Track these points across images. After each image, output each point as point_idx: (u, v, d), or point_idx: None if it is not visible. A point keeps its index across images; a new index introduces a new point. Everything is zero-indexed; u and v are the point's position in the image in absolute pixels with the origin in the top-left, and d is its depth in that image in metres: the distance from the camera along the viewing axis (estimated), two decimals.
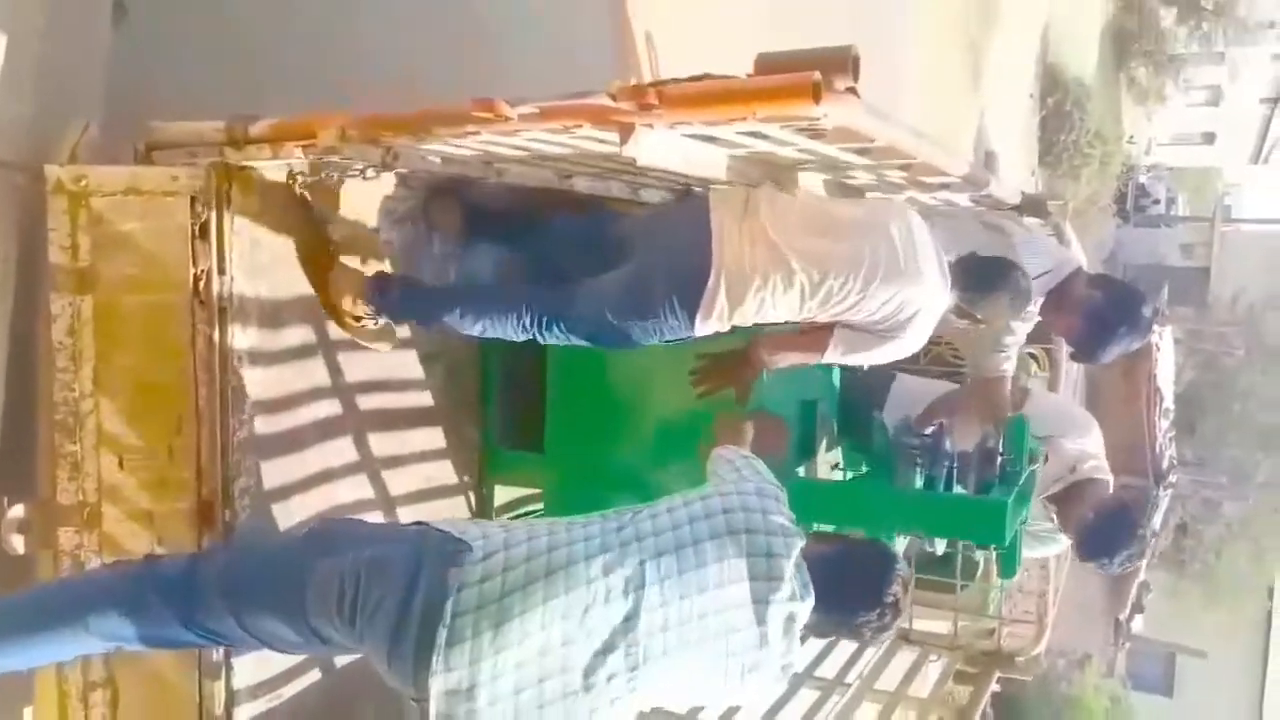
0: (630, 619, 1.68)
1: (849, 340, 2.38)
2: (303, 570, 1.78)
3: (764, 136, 1.92)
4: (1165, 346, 7.71)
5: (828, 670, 3.48)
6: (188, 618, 1.81)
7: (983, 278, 2.43)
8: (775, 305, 2.28)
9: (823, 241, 2.29)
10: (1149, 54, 23.77)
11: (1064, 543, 3.21)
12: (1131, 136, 23.43)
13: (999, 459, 2.59)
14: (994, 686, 3.67)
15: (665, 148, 1.88)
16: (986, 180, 2.64)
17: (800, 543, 1.80)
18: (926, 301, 2.33)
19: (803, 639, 1.80)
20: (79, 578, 2.03)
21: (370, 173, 2.15)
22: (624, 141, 1.76)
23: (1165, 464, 8.01)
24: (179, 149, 2.16)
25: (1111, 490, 3.02)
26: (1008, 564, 2.67)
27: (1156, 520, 8.59)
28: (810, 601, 1.77)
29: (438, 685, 1.61)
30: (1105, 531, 2.82)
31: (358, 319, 2.45)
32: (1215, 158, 29.88)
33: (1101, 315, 2.77)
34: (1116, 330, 2.76)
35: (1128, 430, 7.91)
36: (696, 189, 2.59)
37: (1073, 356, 3.04)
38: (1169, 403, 8.18)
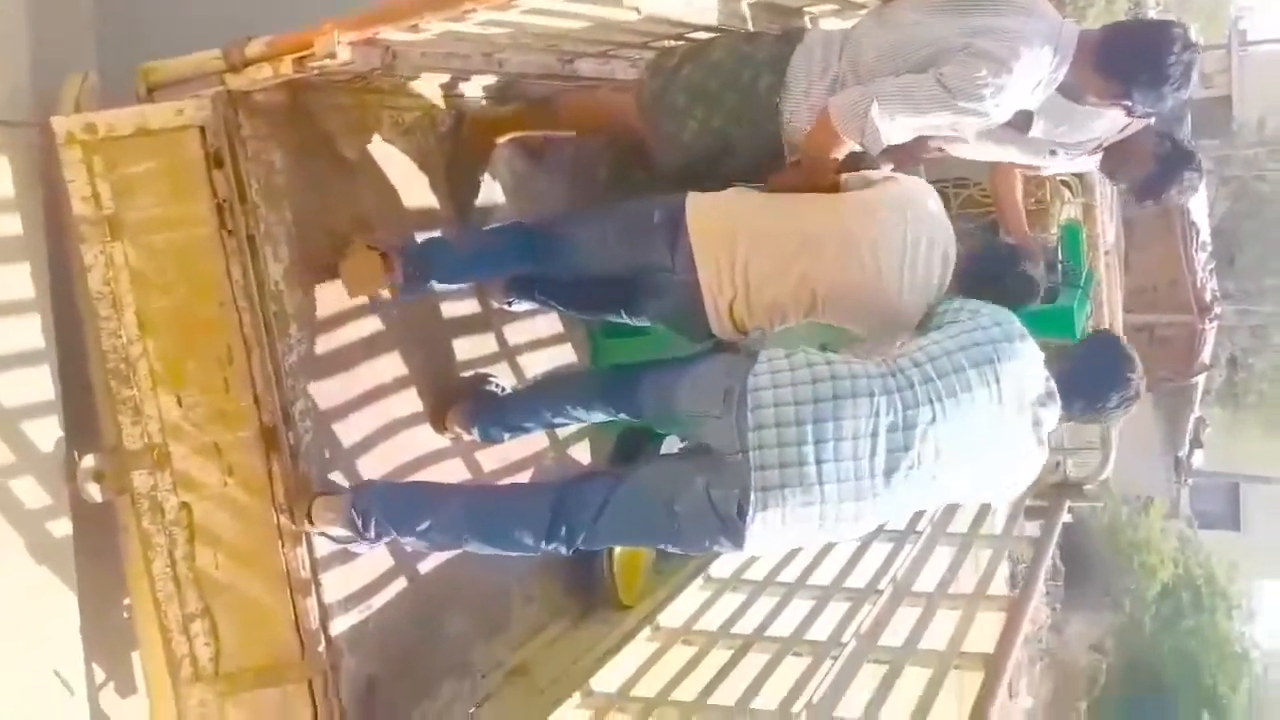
0: (908, 429, 2.01)
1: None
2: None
3: None
4: None
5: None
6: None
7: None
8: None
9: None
10: None
11: None
12: None
13: (1059, 265, 2.62)
14: (1065, 517, 3.68)
15: None
16: None
17: (1041, 356, 2.16)
18: None
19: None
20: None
21: (374, 74, 2.13)
22: None
23: (1208, 297, 7.92)
24: (180, 85, 2.15)
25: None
26: None
27: (1207, 354, 8.51)
28: (1058, 405, 2.14)
29: (754, 439, 1.99)
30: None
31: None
32: None
33: (1172, 161, 2.66)
34: (1185, 174, 2.67)
35: (1167, 266, 7.81)
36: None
37: (1136, 196, 2.93)
38: (1205, 235, 8.03)
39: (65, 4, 2.26)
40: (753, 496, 2.01)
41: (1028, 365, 2.14)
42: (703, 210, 2.32)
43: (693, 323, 2.41)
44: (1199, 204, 7.61)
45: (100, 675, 2.28)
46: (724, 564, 3.28)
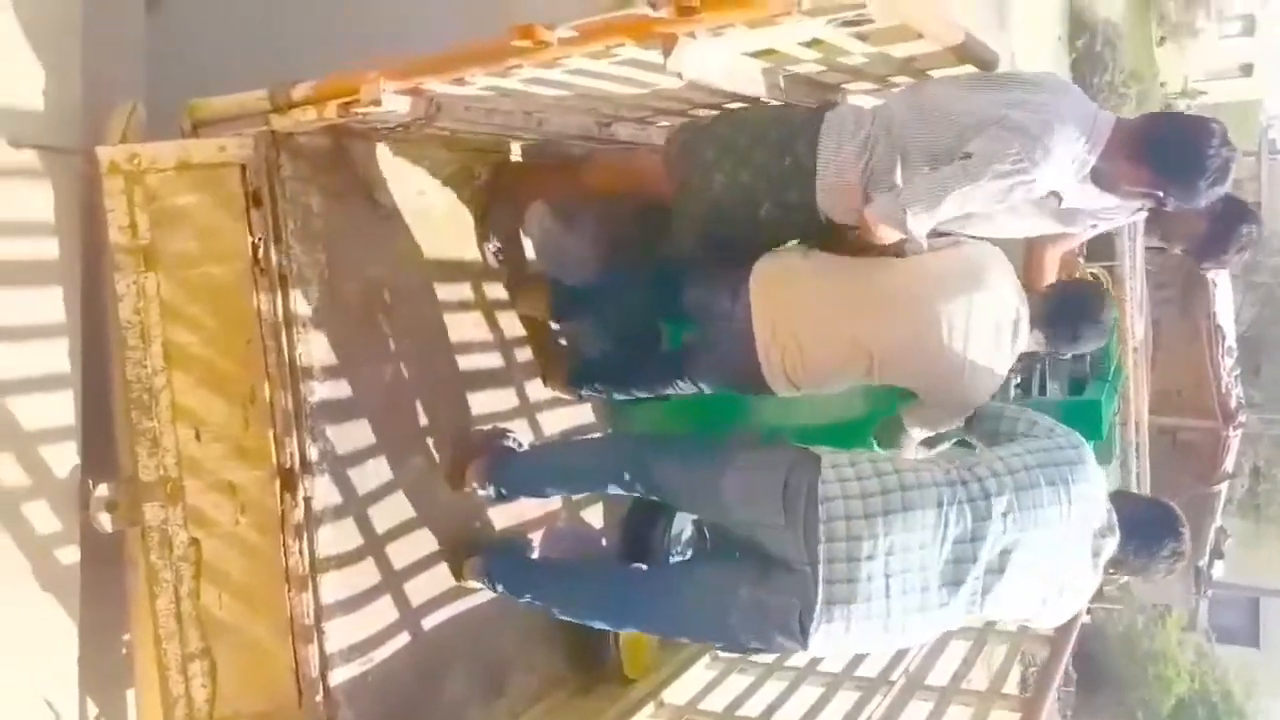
0: (976, 540, 2.00)
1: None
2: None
3: (818, 42, 1.89)
4: (1222, 283, 7.48)
5: None
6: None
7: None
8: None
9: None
10: None
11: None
12: (1164, 81, 22.84)
13: (1088, 356, 2.59)
14: (1084, 618, 3.58)
15: (709, 61, 1.85)
16: None
17: (1105, 486, 2.17)
18: None
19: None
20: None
21: (415, 126, 2.16)
22: (667, 54, 1.74)
23: (1233, 404, 7.82)
24: (225, 123, 2.18)
25: None
26: (1103, 454, 2.67)
27: (1230, 462, 8.36)
28: (1117, 538, 2.13)
29: (825, 553, 1.96)
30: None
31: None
32: (1255, 90, 29.06)
33: (1227, 217, 2.52)
34: (1242, 229, 2.54)
35: (1192, 370, 7.73)
36: None
37: (1196, 258, 2.82)
38: (1231, 340, 7.97)
39: (118, 35, 2.30)
40: (818, 609, 2.00)
41: (1096, 491, 2.14)
42: (765, 263, 2.39)
43: (748, 376, 2.44)
44: (1225, 307, 7.55)
45: (93, 710, 2.23)
46: None
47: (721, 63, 1.90)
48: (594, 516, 3.16)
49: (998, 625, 3.37)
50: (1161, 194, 2.16)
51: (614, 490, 2.48)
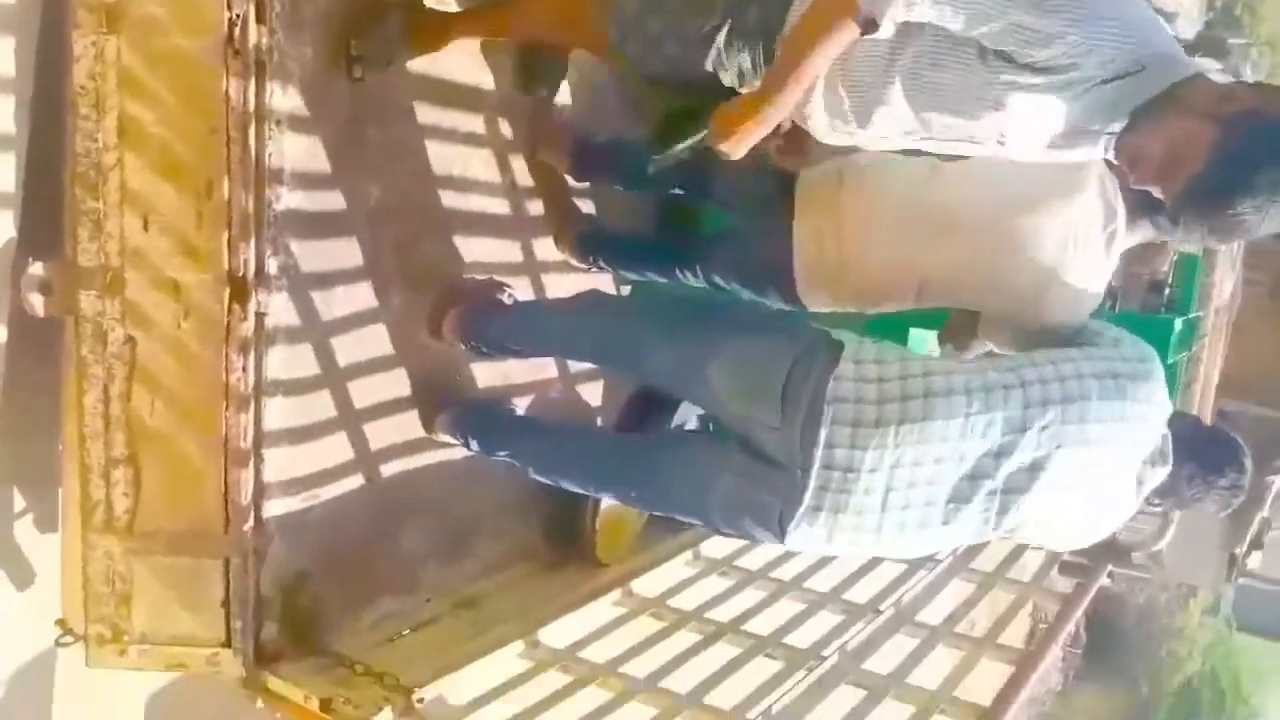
0: (1002, 455, 1.75)
1: None
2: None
3: None
4: None
5: None
6: None
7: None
8: None
9: None
10: None
11: None
12: None
13: (1166, 289, 2.33)
14: (1104, 580, 3.34)
15: None
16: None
17: (1169, 408, 1.90)
18: None
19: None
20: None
21: None
22: None
23: None
24: None
25: None
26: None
27: None
28: (1168, 468, 1.88)
29: (821, 459, 1.73)
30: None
31: None
32: None
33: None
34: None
35: (1264, 360, 7.38)
36: None
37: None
38: None
39: None
40: (800, 511, 1.79)
41: (1155, 412, 1.86)
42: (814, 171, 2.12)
43: (776, 283, 2.19)
44: None
45: (20, 504, 2.11)
46: (718, 545, 3.02)
47: None
48: (592, 394, 2.96)
49: (1009, 572, 3.16)
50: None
51: (601, 366, 2.26)
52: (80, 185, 1.87)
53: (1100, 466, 1.83)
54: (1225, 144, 1.44)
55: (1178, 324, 2.52)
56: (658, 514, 2.30)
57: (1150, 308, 2.61)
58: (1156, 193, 1.55)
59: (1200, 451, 1.92)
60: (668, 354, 1.97)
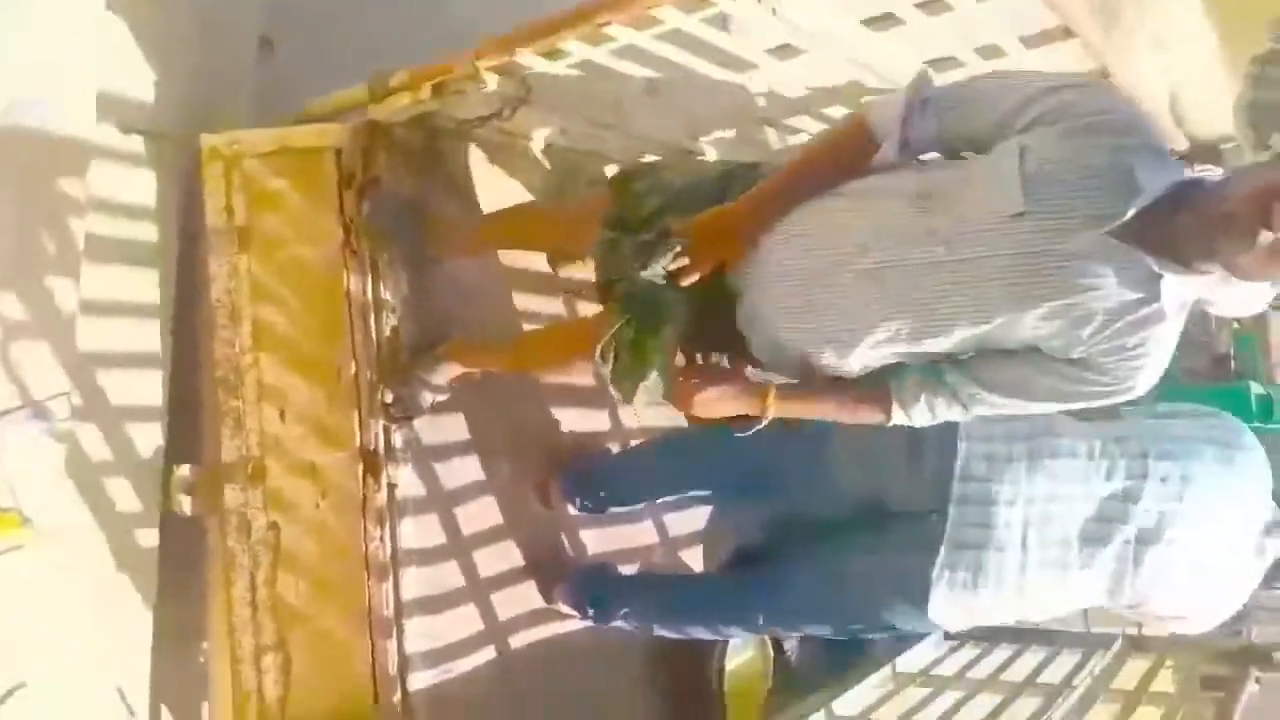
0: (1128, 500, 1.78)
1: None
2: None
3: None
4: None
5: (1052, 676, 3.08)
6: None
7: None
8: None
9: None
10: None
11: None
12: None
13: (1231, 365, 2.39)
14: (1252, 686, 3.16)
15: None
16: None
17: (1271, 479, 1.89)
18: None
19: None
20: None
21: (506, 113, 2.15)
22: None
23: None
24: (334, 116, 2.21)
25: None
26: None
27: None
28: None
29: (957, 493, 1.78)
30: None
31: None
32: None
33: None
34: None
35: None
36: None
37: None
38: None
39: (226, 74, 2.37)
40: (941, 555, 1.79)
41: (1262, 476, 1.88)
42: None
43: None
44: None
45: (166, 716, 2.12)
46: (851, 701, 2.90)
47: None
48: (693, 559, 2.98)
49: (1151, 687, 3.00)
50: None
51: (706, 488, 2.30)
52: (222, 388, 2.04)
53: (1219, 527, 1.84)
54: None
55: (1253, 387, 2.55)
56: (786, 639, 2.25)
57: (1215, 381, 2.65)
58: None
59: None
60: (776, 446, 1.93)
